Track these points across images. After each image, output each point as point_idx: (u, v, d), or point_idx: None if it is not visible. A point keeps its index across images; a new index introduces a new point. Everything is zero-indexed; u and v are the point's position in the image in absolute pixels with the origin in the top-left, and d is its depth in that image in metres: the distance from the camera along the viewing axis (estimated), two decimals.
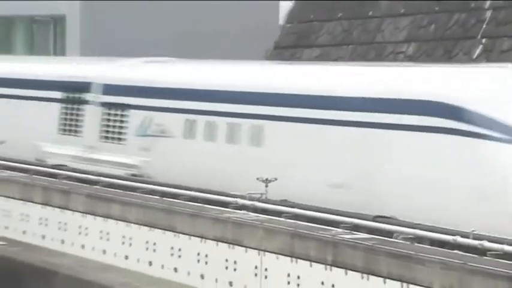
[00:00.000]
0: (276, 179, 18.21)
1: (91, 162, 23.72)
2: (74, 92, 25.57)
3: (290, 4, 39.77)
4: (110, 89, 24.59)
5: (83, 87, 25.23)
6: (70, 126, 25.42)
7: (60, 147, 25.17)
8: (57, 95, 26.06)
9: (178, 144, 22.11)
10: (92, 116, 24.82)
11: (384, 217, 16.32)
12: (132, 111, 23.60)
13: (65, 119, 25.59)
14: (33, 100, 26.79)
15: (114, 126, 24.02)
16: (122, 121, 23.83)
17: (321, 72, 22.28)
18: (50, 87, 26.38)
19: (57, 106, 25.95)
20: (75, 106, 25.47)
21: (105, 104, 24.46)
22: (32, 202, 20.78)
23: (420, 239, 14.81)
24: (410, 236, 14.92)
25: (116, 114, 24.02)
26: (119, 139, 23.77)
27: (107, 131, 24.21)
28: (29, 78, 27.34)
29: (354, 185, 17.84)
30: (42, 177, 22.10)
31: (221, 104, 21.45)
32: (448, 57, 29.60)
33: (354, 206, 16.82)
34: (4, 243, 20.40)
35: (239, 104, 20.97)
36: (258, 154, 20.09)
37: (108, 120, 24.22)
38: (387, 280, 13.54)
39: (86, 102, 25.10)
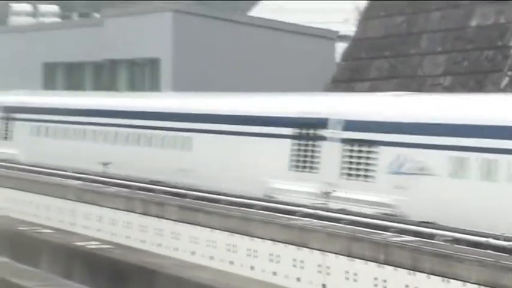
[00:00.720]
0: None
1: (331, 199, 19.98)
2: (307, 128, 21.58)
3: (345, 45, 39.82)
4: (353, 125, 20.45)
5: (318, 123, 21.19)
6: (303, 162, 21.39)
7: (292, 184, 21.36)
8: (288, 131, 22.17)
9: (442, 182, 17.96)
10: (330, 153, 20.75)
11: (427, 222, 16.16)
12: (383, 148, 19.62)
13: (297, 155, 21.61)
14: (259, 137, 23.00)
15: (359, 163, 20.11)
16: (369, 158, 19.85)
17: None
18: (280, 123, 22.57)
19: (287, 142, 21.96)
20: (309, 142, 21.42)
21: (347, 140, 20.40)
22: (134, 212, 20.84)
23: (458, 241, 14.62)
24: (449, 238, 14.74)
25: (361, 151, 20.10)
26: (366, 176, 19.79)
27: (350, 168, 20.21)
28: (256, 115, 23.62)
29: None
30: (141, 192, 22.15)
31: (501, 140, 17.14)
32: (479, 88, 29.36)
33: None
34: (111, 246, 20.52)
35: None
36: None
37: (352, 157, 20.27)
38: (431, 276, 13.38)
39: (322, 138, 21.06)
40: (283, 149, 21.93)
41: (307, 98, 24.81)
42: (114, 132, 27.66)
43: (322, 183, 20.42)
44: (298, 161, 21.54)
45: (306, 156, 21.35)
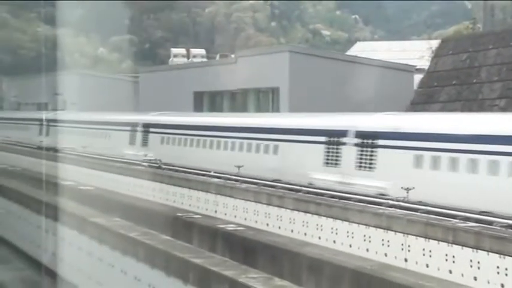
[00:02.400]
0: None
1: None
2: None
3: (420, 76, 39.22)
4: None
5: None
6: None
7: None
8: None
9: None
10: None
11: (487, 212, 15.76)
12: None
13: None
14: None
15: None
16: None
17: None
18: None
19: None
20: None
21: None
22: (260, 203, 20.85)
23: (511, 226, 14.23)
24: (505, 224, 14.36)
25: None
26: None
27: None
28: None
29: None
30: (266, 188, 22.10)
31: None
32: None
33: None
34: (243, 228, 20.69)
35: None
36: None
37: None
38: (490, 253, 13.08)
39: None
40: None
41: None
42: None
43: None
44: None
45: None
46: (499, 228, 14.05)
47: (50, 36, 76.95)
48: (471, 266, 13.42)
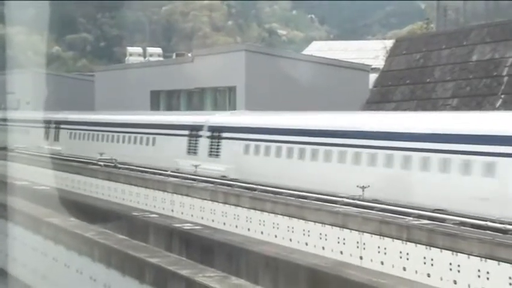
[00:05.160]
0: None
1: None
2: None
3: (375, 75, 39.61)
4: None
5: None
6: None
7: None
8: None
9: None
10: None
11: (440, 210, 15.98)
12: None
13: None
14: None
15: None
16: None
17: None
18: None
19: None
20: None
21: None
22: (217, 202, 20.89)
23: (463, 224, 14.45)
24: (457, 222, 14.58)
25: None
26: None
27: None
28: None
29: None
30: (223, 187, 22.25)
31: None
32: (479, 107, 28.98)
33: None
34: (201, 227, 20.64)
35: None
36: None
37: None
38: (443, 250, 13.24)
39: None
40: None
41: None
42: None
43: None
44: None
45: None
46: (451, 225, 14.25)
47: (1, 35, 75.69)
48: (425, 263, 13.58)
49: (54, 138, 42.80)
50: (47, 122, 43.95)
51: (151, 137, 32.34)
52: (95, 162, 30.29)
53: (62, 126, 42.16)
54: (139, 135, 33.37)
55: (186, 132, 29.34)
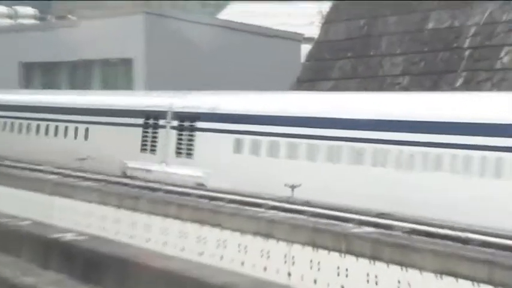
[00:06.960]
0: None
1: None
2: None
3: (309, 46, 39.85)
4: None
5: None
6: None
7: None
8: None
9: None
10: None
11: (385, 214, 16.23)
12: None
13: None
14: None
15: None
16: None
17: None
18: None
19: None
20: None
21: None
22: (109, 205, 20.76)
23: (416, 231, 14.69)
24: (408, 230, 14.82)
25: None
26: None
27: None
28: None
29: None
30: (116, 186, 22.07)
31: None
32: (435, 87, 29.51)
33: None
34: (86, 237, 20.45)
35: None
36: None
37: None
38: (390, 265, 13.44)
39: None
40: None
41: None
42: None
43: None
44: None
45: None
46: (401, 234, 14.48)
47: None
48: (368, 281, 13.78)
49: None
50: None
51: (81, 126, 28.20)
52: None
53: None
54: (60, 124, 29.08)
55: (139, 121, 25.64)
